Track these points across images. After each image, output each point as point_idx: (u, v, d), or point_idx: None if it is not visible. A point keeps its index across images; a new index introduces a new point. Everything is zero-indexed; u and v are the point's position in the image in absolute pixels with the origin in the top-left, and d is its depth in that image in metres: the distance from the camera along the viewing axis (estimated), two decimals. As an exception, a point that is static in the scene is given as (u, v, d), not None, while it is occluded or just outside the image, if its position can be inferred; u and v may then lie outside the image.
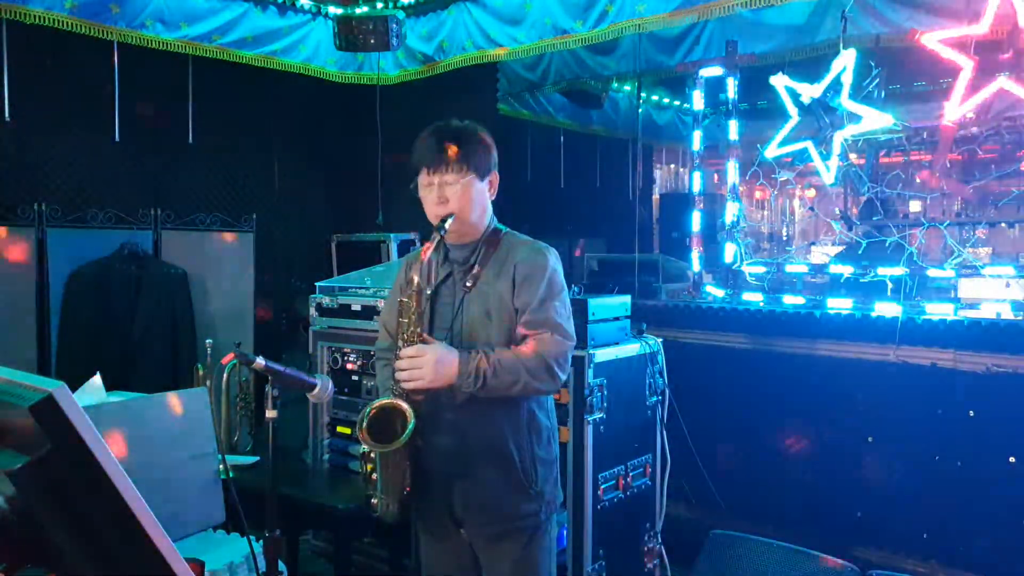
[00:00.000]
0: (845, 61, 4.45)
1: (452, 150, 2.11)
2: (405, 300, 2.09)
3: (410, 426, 1.99)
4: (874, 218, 5.25)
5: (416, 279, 2.09)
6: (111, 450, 0.93)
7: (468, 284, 2.15)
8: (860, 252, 4.41)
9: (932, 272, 4.20)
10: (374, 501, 2.11)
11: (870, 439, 3.88)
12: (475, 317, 2.13)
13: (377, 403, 2.07)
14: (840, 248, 5.19)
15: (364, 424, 2.03)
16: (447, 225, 2.09)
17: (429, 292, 2.20)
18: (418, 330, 2.08)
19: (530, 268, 2.13)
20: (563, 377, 2.12)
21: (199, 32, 4.89)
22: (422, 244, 2.18)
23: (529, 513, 2.17)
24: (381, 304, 3.23)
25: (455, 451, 2.12)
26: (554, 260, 2.19)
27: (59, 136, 4.80)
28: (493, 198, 2.24)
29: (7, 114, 4.55)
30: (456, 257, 2.21)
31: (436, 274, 2.23)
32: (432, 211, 2.15)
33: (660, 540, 3.52)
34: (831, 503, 3.90)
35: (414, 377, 2.02)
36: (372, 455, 2.06)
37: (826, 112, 4.63)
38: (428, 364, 2.01)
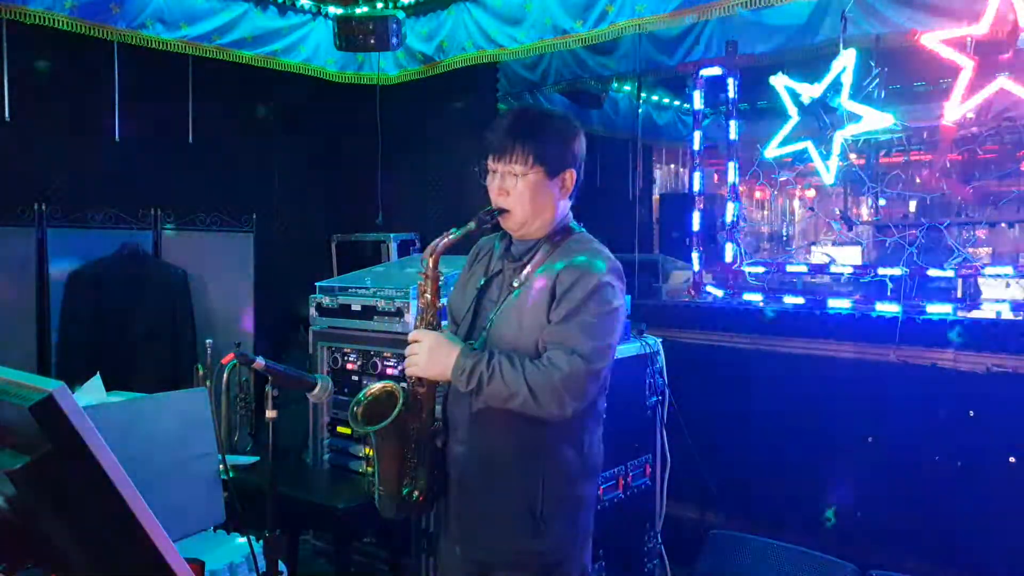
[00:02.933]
0: (845, 61, 4.45)
1: (523, 140, 1.96)
2: (421, 283, 2.02)
3: (396, 410, 1.93)
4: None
5: (431, 265, 2.00)
6: (111, 450, 0.93)
7: (514, 285, 2.02)
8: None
9: (932, 272, 4.20)
10: (375, 490, 2.07)
11: (870, 439, 3.88)
12: (510, 323, 1.99)
13: (372, 389, 2.01)
14: (855, 247, 5.17)
15: (359, 407, 1.98)
16: (489, 218, 2.00)
17: (482, 282, 2.10)
18: (429, 318, 2.01)
19: (573, 280, 1.93)
20: (573, 405, 1.89)
21: (199, 32, 4.89)
22: (423, 245, 2.15)
23: (532, 551, 1.98)
24: (381, 304, 3.23)
25: (465, 464, 2.03)
26: (608, 274, 1.97)
27: (59, 136, 4.80)
28: (567, 197, 2.09)
29: (7, 114, 4.55)
30: (514, 252, 2.08)
31: (492, 266, 2.11)
32: (493, 200, 2.03)
33: (660, 540, 3.52)
34: (831, 503, 3.90)
35: (410, 362, 1.97)
36: (371, 441, 2.03)
37: (826, 112, 4.63)
38: (423, 350, 1.94)
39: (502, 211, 2.00)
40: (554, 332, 1.92)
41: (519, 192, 1.98)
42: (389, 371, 3.14)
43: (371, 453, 2.09)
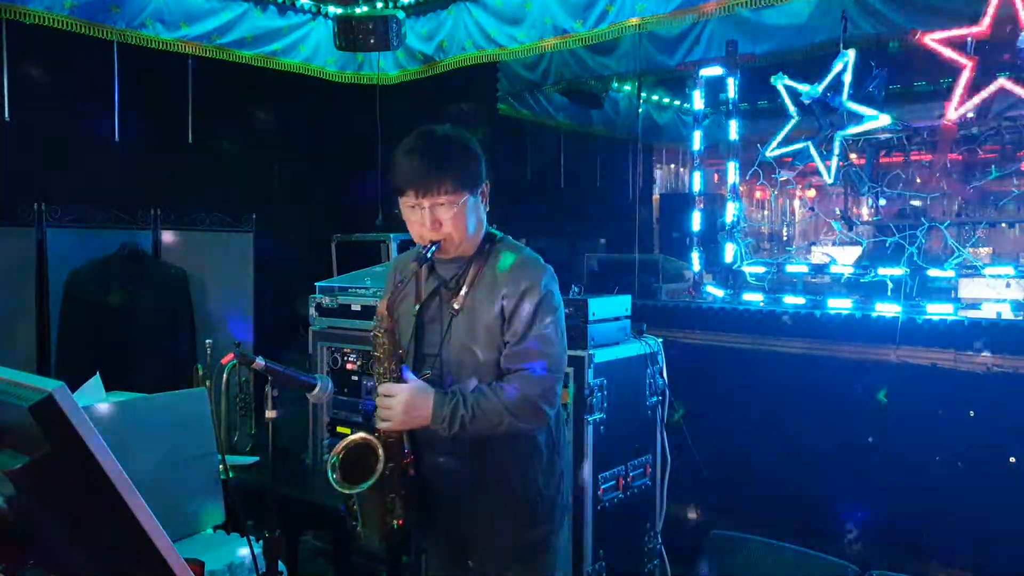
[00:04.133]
0: (845, 61, 4.45)
1: (445, 169, 1.93)
2: (378, 335, 1.97)
3: (380, 464, 1.93)
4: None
5: (387, 314, 1.97)
6: (110, 450, 0.93)
7: (455, 307, 2.01)
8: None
9: (932, 272, 4.20)
10: (358, 529, 2.05)
11: (870, 439, 3.88)
12: (462, 345, 2.01)
13: (346, 442, 1.98)
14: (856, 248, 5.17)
15: (336, 462, 1.95)
16: (429, 255, 1.97)
17: (416, 308, 2.08)
18: (391, 367, 1.97)
19: (519, 297, 1.97)
20: (551, 412, 2.00)
21: (199, 32, 4.89)
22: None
23: (532, 539, 2.09)
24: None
25: (449, 476, 2.06)
26: (547, 280, 2.01)
27: (59, 136, 4.80)
28: (488, 208, 2.10)
29: (7, 114, 4.55)
30: (443, 274, 2.07)
31: (423, 288, 2.09)
32: (419, 232, 1.99)
33: (660, 540, 3.52)
34: (831, 503, 3.90)
35: (384, 416, 1.94)
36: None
37: (826, 112, 4.63)
38: (398, 406, 1.91)
39: (438, 243, 1.97)
40: (516, 353, 1.97)
41: (454, 220, 1.96)
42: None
43: (353, 504, 2.05)
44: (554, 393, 2.00)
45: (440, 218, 1.96)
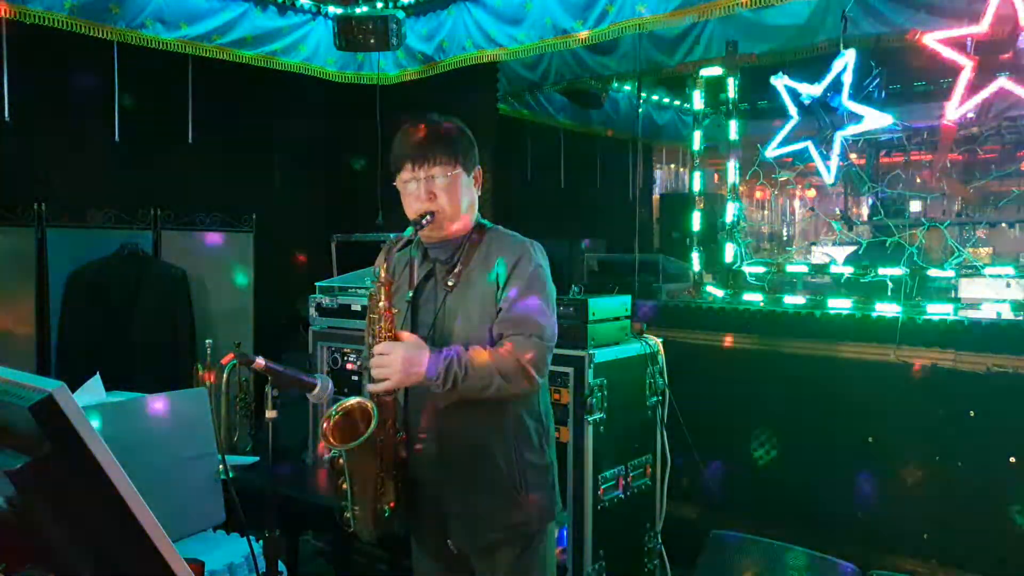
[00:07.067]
0: (845, 61, 4.45)
1: (440, 142, 2.05)
2: (373, 292, 2.03)
3: (372, 424, 1.93)
4: (875, 218, 5.25)
5: (383, 273, 2.02)
6: (110, 450, 0.93)
7: (450, 283, 2.09)
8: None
9: (932, 272, 4.20)
10: (347, 515, 2.05)
11: (870, 439, 3.88)
12: (457, 317, 2.08)
13: (343, 404, 2.00)
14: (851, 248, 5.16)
15: (329, 424, 1.96)
16: (424, 222, 2.02)
17: (410, 295, 2.14)
18: (387, 326, 2.01)
19: (512, 266, 2.06)
20: (540, 379, 2.04)
21: (199, 32, 4.89)
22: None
23: (519, 522, 2.10)
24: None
25: (440, 459, 2.08)
26: (538, 256, 2.12)
27: (59, 136, 4.80)
28: (479, 194, 2.19)
29: (7, 114, 4.55)
30: (437, 255, 2.15)
31: (416, 274, 2.17)
32: (415, 207, 2.06)
33: (660, 540, 3.52)
34: (831, 503, 3.90)
35: (382, 375, 1.96)
36: (340, 461, 1.98)
37: (826, 112, 4.63)
38: (396, 362, 1.94)
39: (432, 214, 2.04)
40: (508, 320, 2.03)
41: (447, 190, 2.05)
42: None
43: (343, 481, 2.05)
44: (544, 362, 2.04)
45: (434, 189, 2.05)
